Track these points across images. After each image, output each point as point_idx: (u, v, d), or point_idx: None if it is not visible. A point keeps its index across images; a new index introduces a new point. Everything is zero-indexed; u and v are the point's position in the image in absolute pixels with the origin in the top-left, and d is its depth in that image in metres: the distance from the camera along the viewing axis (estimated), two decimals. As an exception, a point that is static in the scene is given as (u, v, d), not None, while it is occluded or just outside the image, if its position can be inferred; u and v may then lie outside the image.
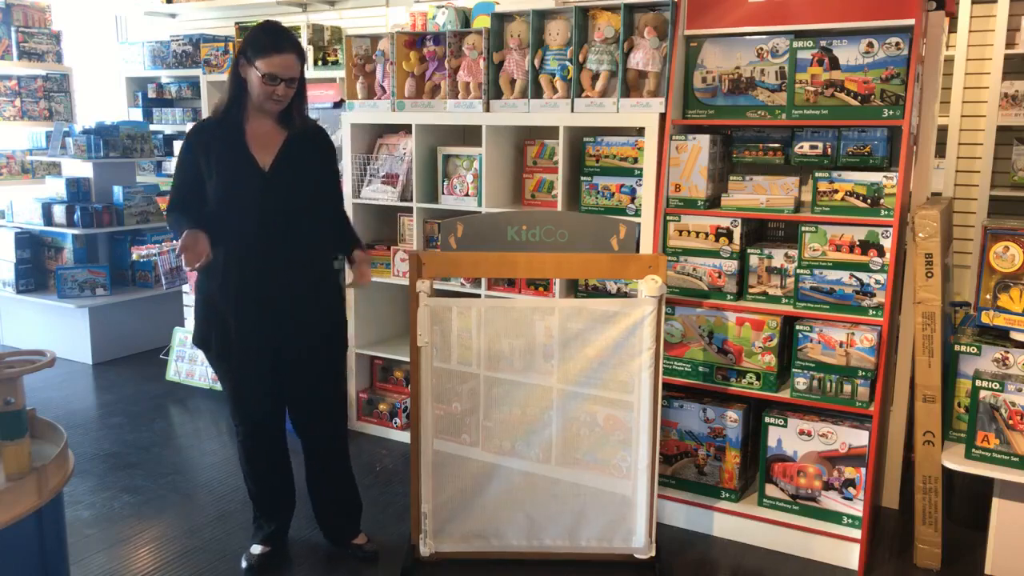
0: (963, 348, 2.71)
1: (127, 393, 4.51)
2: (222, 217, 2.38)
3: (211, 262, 2.32)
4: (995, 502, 2.69)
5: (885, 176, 2.70)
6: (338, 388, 2.76)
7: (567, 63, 3.22)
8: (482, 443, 3.55)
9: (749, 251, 2.91)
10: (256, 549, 2.74)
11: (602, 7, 3.15)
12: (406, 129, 3.66)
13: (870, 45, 2.71)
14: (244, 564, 2.72)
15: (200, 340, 2.56)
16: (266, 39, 2.34)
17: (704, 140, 2.93)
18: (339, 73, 4.52)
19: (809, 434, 2.81)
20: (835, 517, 2.81)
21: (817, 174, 2.79)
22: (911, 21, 2.65)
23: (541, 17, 3.27)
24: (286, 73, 2.34)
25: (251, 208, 2.38)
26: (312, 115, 2.65)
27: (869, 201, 2.71)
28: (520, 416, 3.54)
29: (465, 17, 3.70)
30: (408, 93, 3.60)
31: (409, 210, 3.64)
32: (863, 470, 2.73)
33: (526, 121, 3.33)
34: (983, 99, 4.11)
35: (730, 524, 2.96)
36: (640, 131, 3.14)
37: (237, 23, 5.24)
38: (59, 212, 5.08)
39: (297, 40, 2.40)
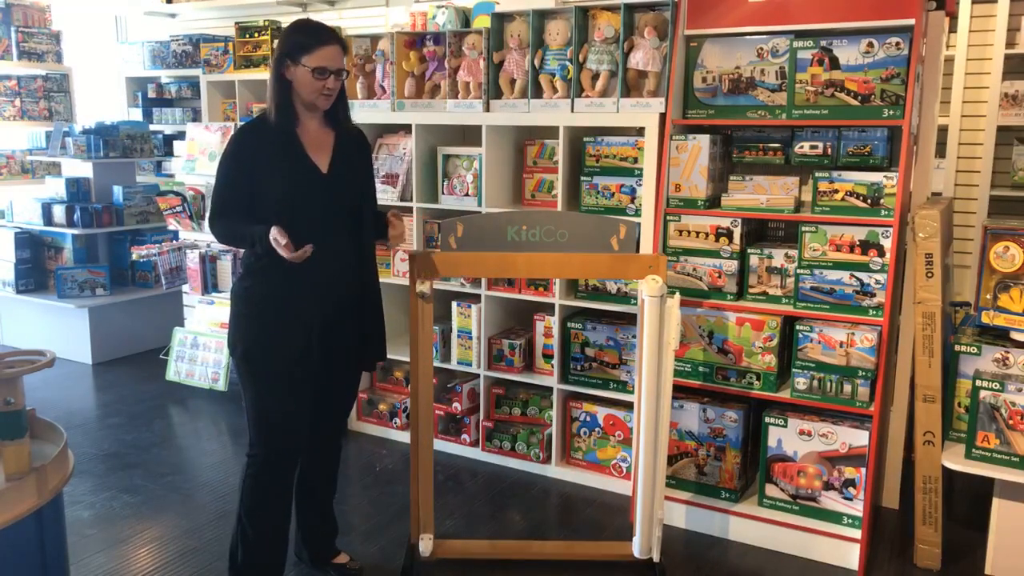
0: (963, 348, 2.71)
1: (127, 393, 4.51)
2: (283, 221, 2.28)
3: (275, 267, 2.31)
4: (995, 502, 2.69)
5: (885, 176, 2.70)
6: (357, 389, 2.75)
7: (567, 63, 3.22)
8: (482, 443, 3.56)
9: (749, 251, 2.91)
10: None
11: (602, 7, 3.14)
12: (406, 129, 3.65)
13: (870, 45, 2.71)
14: None
15: (255, 350, 2.37)
16: (307, 36, 2.35)
17: (704, 140, 2.93)
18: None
19: (809, 434, 2.81)
20: (835, 517, 2.81)
21: (817, 174, 2.79)
22: (911, 21, 2.65)
23: (541, 17, 3.27)
24: (335, 64, 2.35)
25: (314, 210, 2.36)
26: None
27: (869, 201, 2.71)
28: (521, 416, 3.55)
29: (465, 17, 3.70)
30: (408, 93, 3.60)
31: (409, 210, 3.63)
32: (863, 470, 2.73)
33: (526, 121, 3.33)
34: (983, 99, 4.10)
35: (730, 524, 2.95)
36: (640, 131, 3.14)
37: (237, 23, 5.24)
38: (59, 212, 5.08)
39: (335, 31, 2.41)
